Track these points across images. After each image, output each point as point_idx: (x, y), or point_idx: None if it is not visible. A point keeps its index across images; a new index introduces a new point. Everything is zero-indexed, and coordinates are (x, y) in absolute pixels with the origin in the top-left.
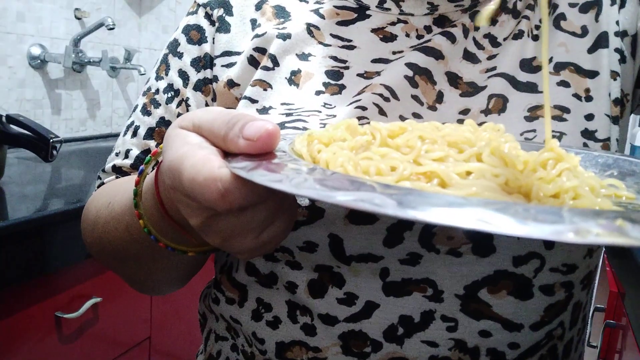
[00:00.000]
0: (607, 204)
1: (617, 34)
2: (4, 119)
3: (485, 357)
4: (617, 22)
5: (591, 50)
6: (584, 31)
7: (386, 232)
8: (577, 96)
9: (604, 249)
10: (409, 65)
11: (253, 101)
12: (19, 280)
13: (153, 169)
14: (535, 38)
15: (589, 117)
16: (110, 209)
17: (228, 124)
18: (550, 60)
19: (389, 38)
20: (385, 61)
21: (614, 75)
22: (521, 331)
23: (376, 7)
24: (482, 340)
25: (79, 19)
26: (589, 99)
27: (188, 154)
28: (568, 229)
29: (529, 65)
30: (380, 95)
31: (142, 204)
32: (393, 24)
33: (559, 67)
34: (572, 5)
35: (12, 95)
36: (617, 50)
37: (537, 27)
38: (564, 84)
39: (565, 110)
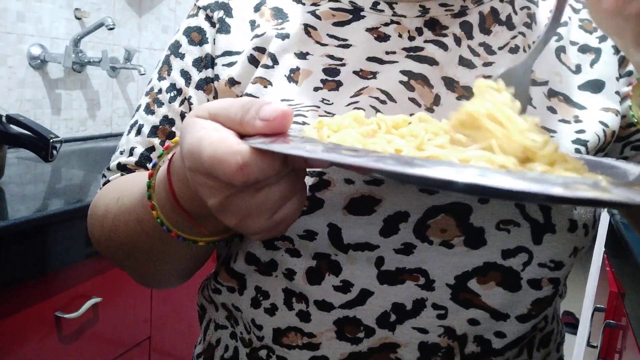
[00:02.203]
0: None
1: (617, 78)
2: (4, 119)
3: (472, 343)
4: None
5: (582, 88)
6: (578, 69)
7: (382, 223)
8: (564, 121)
9: (587, 247)
10: (403, 72)
11: (254, 98)
12: (19, 280)
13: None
14: None
15: (580, 132)
16: (120, 203)
17: (243, 108)
18: (546, 83)
19: (383, 38)
20: (379, 61)
21: (615, 111)
22: (507, 321)
23: (370, 8)
24: (471, 328)
25: (79, 19)
26: (577, 120)
27: (205, 136)
28: (558, 184)
29: None
30: (377, 98)
31: (154, 196)
32: (386, 24)
33: (552, 93)
34: (573, 43)
35: (12, 95)
36: (617, 92)
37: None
38: (551, 109)
39: (552, 131)
